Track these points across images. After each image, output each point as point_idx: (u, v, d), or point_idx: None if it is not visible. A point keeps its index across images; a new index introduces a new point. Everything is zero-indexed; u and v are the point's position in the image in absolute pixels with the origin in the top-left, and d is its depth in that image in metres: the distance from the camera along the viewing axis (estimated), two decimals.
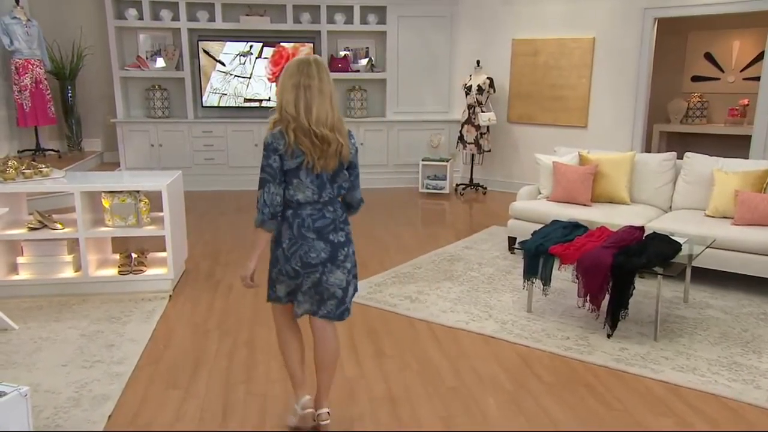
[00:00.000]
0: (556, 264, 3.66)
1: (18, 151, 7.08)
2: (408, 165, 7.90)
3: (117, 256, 4.40)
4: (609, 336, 3.43)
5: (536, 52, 7.18)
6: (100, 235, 4.17)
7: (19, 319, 3.63)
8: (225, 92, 7.67)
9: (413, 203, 7.11)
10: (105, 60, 7.55)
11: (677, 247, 3.56)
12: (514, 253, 4.99)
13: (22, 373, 3.01)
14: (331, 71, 8.26)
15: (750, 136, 6.13)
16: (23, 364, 3.11)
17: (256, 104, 7.72)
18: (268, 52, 7.62)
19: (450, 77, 7.92)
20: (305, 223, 2.31)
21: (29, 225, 4.06)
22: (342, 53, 7.86)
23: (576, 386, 2.95)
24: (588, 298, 3.45)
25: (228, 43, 7.56)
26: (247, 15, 7.52)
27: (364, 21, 7.73)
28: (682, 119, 7.95)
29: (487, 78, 7.23)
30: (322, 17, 7.63)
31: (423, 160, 7.59)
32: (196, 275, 4.52)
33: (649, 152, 7.26)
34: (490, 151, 7.42)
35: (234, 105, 7.67)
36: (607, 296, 3.42)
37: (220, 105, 7.70)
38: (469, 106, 7.30)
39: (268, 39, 7.62)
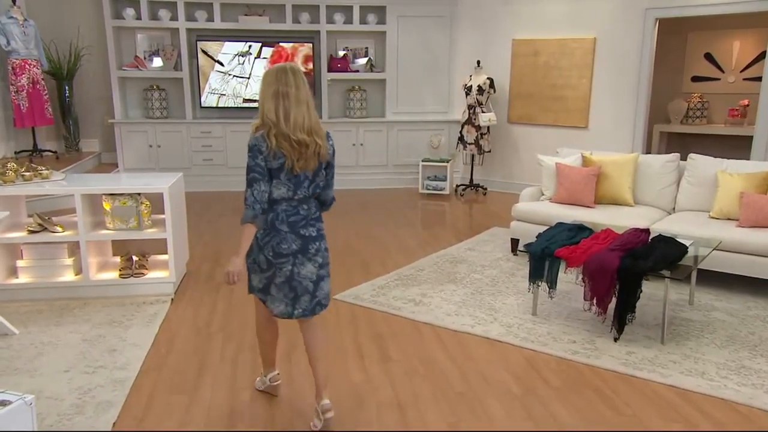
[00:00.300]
0: (562, 267, 3.64)
1: (15, 152, 7.01)
2: (408, 165, 7.88)
3: (118, 259, 4.36)
4: (616, 339, 3.42)
5: (537, 53, 7.16)
6: (101, 239, 4.12)
7: (19, 324, 3.58)
8: (224, 92, 7.63)
9: (413, 204, 7.09)
10: (103, 60, 7.49)
11: (684, 249, 3.55)
12: (517, 255, 4.97)
13: (24, 379, 2.97)
14: (331, 71, 8.27)
15: (751, 136, 6.13)
16: (25, 370, 3.07)
17: (255, 104, 7.65)
18: (267, 52, 7.58)
19: (450, 77, 7.90)
20: (279, 217, 2.47)
21: (29, 228, 4.01)
22: (341, 53, 7.83)
23: (584, 391, 2.93)
24: (595, 301, 3.43)
25: (227, 43, 7.52)
26: (246, 15, 7.48)
27: (363, 21, 7.69)
28: (682, 120, 7.94)
29: (488, 78, 7.21)
30: (322, 17, 7.59)
31: (423, 161, 7.57)
32: (198, 278, 4.48)
33: (649, 153, 7.25)
34: (490, 151, 7.40)
35: (233, 105, 7.63)
36: (614, 299, 3.41)
37: (219, 105, 7.65)
38: (470, 107, 7.28)
39: (267, 39, 7.58)
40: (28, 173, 4.04)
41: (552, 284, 3.66)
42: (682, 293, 4.09)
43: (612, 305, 3.44)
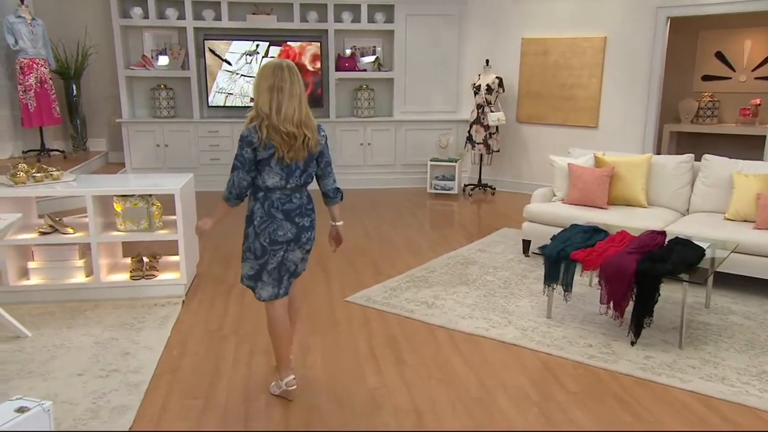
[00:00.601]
0: (578, 270, 3.60)
1: (23, 152, 7.00)
2: (415, 165, 7.84)
3: (128, 261, 4.34)
4: (633, 343, 3.38)
5: (546, 52, 7.11)
6: (112, 240, 4.10)
7: (31, 326, 3.56)
8: (231, 92, 7.60)
9: (421, 204, 7.05)
10: (110, 59, 7.47)
11: (701, 252, 3.51)
12: (528, 257, 4.93)
13: (38, 382, 2.95)
14: (338, 71, 8.21)
15: (763, 136, 6.08)
16: (38, 373, 3.05)
17: None
18: (275, 51, 7.55)
19: (458, 76, 7.86)
20: (274, 205, 2.64)
21: (40, 229, 3.99)
22: (348, 52, 7.79)
23: (603, 396, 2.89)
24: (611, 305, 3.39)
25: (234, 42, 7.49)
26: (254, 14, 7.44)
27: (371, 20, 7.65)
28: (693, 119, 7.89)
29: (497, 77, 7.16)
30: (330, 16, 7.55)
31: (431, 161, 7.53)
32: (208, 280, 4.45)
33: (659, 152, 7.20)
34: (498, 151, 7.35)
35: (240, 105, 7.60)
36: (631, 303, 3.37)
37: (227, 105, 7.63)
38: (478, 106, 7.24)
39: (275, 38, 7.54)
40: (38, 174, 4.01)
41: (568, 287, 3.62)
42: (697, 296, 4.05)
43: (628, 308, 3.40)
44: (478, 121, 7.25)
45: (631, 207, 4.81)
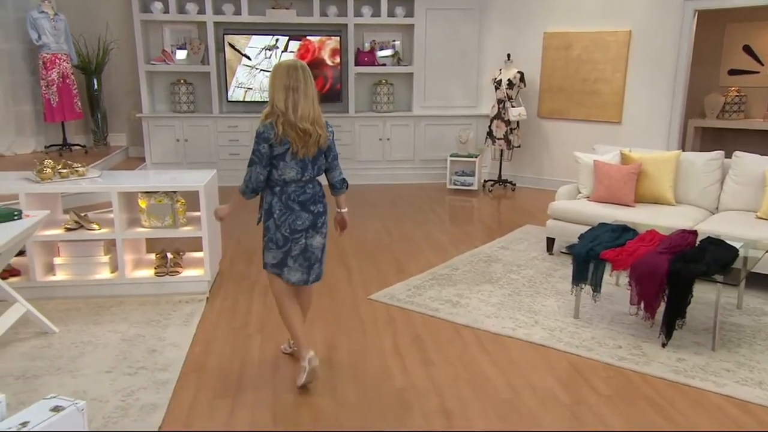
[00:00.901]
0: (607, 269, 3.54)
1: (45, 147, 7.06)
2: (435, 160, 7.79)
3: (152, 257, 4.35)
4: (664, 345, 3.32)
5: (569, 46, 7.00)
6: (136, 236, 4.11)
7: (58, 322, 3.58)
8: (251, 86, 7.59)
9: (441, 199, 7.00)
10: (131, 54, 7.49)
11: (734, 252, 3.43)
12: (553, 255, 4.87)
13: (67, 379, 2.96)
14: (358, 65, 8.17)
15: None
16: (67, 370, 3.06)
17: None
18: (294, 45, 7.52)
19: (478, 71, 7.77)
20: (291, 197, 2.83)
21: (66, 225, 4.01)
22: (367, 46, 7.73)
23: (636, 399, 2.84)
24: (642, 305, 3.33)
25: (254, 36, 7.46)
26: (273, 8, 7.41)
27: (391, 14, 7.59)
28: (719, 114, 7.73)
29: (518, 72, 7.08)
30: (349, 10, 7.49)
31: (451, 156, 7.47)
32: (231, 276, 4.45)
33: (684, 148, 7.07)
34: (519, 146, 7.27)
35: (260, 99, 7.58)
36: (663, 304, 3.30)
37: (246, 99, 7.62)
38: (499, 101, 7.16)
39: (294, 32, 7.51)
40: (64, 170, 4.03)
41: (596, 287, 3.56)
42: (729, 297, 3.97)
43: (659, 309, 3.34)
44: (498, 116, 7.17)
45: (659, 205, 4.72)
